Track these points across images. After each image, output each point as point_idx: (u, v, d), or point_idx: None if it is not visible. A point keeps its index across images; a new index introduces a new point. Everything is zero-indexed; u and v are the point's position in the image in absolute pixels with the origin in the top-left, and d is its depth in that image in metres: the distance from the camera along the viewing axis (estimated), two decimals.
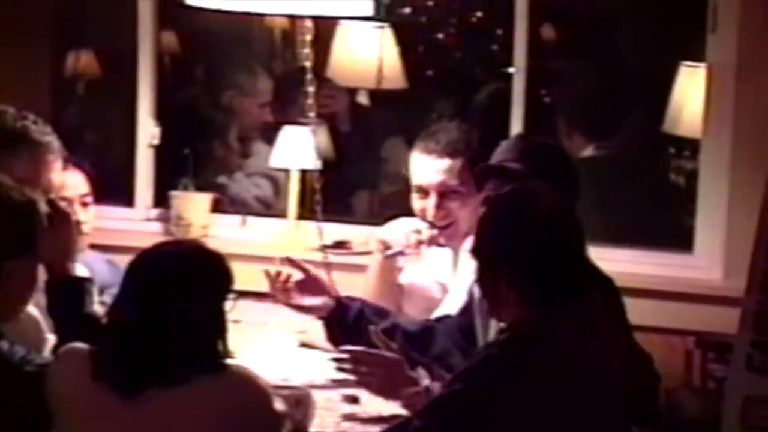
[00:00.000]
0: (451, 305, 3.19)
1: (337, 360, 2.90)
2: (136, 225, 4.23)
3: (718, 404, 3.09)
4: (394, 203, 3.98)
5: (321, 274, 3.27)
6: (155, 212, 4.28)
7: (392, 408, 2.84)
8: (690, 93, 4.06)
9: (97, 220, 3.66)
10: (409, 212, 3.45)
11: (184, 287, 2.37)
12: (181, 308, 2.36)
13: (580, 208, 3.01)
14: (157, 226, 4.23)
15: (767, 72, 3.73)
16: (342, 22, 4.28)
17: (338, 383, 3.02)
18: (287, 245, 4.00)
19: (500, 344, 2.45)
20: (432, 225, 3.36)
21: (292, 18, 4.40)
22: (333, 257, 3.77)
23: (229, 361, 2.39)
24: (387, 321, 3.07)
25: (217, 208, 4.21)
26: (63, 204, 2.94)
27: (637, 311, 3.56)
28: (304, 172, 4.02)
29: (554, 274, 2.45)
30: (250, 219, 4.25)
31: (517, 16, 4.03)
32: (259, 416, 2.38)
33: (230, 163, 4.59)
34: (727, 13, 3.79)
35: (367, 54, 4.33)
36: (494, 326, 2.76)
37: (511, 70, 4.07)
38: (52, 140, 3.13)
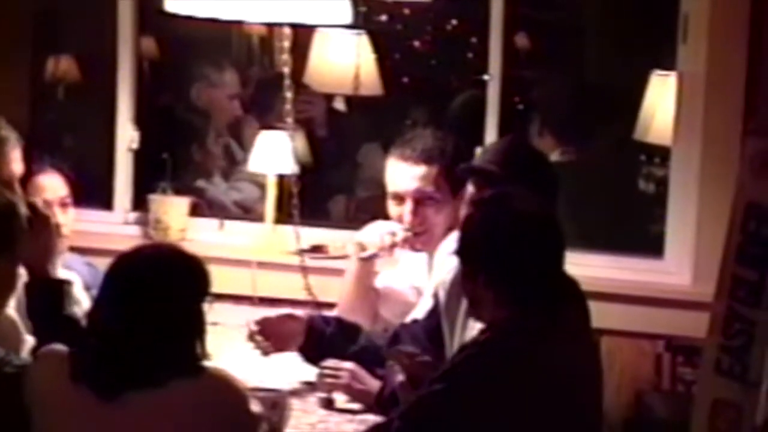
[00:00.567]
0: (420, 310, 3.23)
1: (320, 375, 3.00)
2: (115, 228, 4.25)
3: (688, 407, 3.12)
4: (370, 208, 4.03)
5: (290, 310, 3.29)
6: (134, 216, 4.29)
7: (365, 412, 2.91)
8: (661, 101, 4.10)
9: (76, 223, 3.68)
10: (385, 216, 3.49)
11: (162, 290, 2.39)
12: (159, 311, 2.38)
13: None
14: (135, 230, 4.24)
15: (736, 81, 3.77)
16: (320, 29, 4.31)
17: (314, 386, 3.07)
18: (264, 249, 4.03)
19: (480, 344, 2.49)
20: (408, 230, 3.41)
21: (271, 25, 4.45)
22: (310, 261, 3.80)
23: (206, 363, 2.41)
24: (357, 345, 3.11)
25: (195, 211, 4.24)
26: (42, 207, 2.97)
27: (608, 315, 3.62)
28: (281, 177, 4.05)
29: (528, 276, 2.49)
30: (228, 223, 4.27)
31: (492, 24, 4.05)
32: (236, 418, 2.40)
33: (209, 168, 4.61)
34: (697, 23, 3.84)
35: (344, 61, 4.36)
36: (474, 326, 2.79)
37: (485, 77, 4.10)
38: (9, 133, 3.18)
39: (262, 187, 4.18)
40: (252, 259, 3.96)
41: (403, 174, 3.40)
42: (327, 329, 3.16)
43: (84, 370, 2.38)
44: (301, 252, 3.72)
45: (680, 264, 3.91)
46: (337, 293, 3.57)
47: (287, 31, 3.58)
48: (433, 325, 3.00)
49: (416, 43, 4.78)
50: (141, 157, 4.33)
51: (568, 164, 4.28)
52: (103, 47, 4.36)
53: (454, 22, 4.71)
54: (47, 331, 2.69)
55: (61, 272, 2.90)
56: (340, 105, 4.72)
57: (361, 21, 4.23)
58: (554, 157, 4.28)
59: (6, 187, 2.84)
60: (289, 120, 3.64)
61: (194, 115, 4.67)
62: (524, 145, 3.25)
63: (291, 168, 3.91)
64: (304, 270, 3.63)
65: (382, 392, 2.93)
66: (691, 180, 3.88)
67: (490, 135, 4.05)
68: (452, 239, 2.85)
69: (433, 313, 3.03)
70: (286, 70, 3.60)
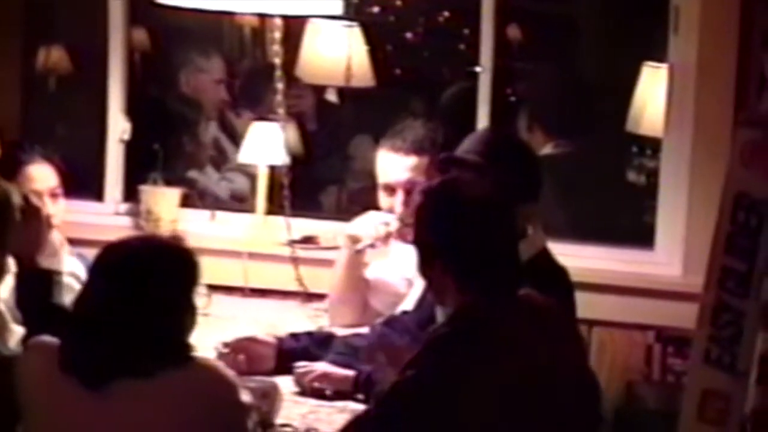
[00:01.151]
0: (410, 301, 3.23)
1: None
2: (106, 219, 4.24)
3: (678, 397, 3.13)
4: (362, 199, 4.03)
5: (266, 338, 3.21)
6: (125, 207, 4.29)
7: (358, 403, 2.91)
8: (652, 92, 4.10)
9: (66, 214, 3.68)
10: (375, 208, 3.50)
11: (151, 280, 2.39)
12: (148, 301, 2.38)
13: (544, 204, 3.08)
14: (126, 221, 4.24)
15: (727, 72, 3.77)
16: (311, 20, 4.31)
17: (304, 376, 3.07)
18: (256, 240, 4.03)
19: (445, 328, 2.51)
20: (400, 219, 3.41)
21: (262, 16, 4.44)
22: (301, 252, 3.81)
23: (195, 353, 2.41)
24: (334, 351, 3.09)
25: (186, 202, 4.24)
26: (33, 197, 2.98)
27: (598, 306, 3.63)
28: (273, 168, 4.05)
29: (483, 260, 2.50)
30: (219, 214, 4.27)
31: (484, 16, 4.06)
32: (226, 408, 2.40)
33: (200, 158, 4.61)
34: (688, 14, 3.84)
35: (336, 52, 4.36)
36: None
37: (477, 69, 4.10)
38: None
39: (253, 178, 4.18)
40: (243, 250, 3.96)
41: (393, 165, 3.41)
42: (297, 345, 3.16)
43: (72, 360, 2.38)
44: (293, 243, 3.73)
45: (671, 255, 3.91)
46: (327, 284, 3.57)
47: (279, 22, 3.58)
48: (423, 315, 3.00)
49: (408, 35, 4.77)
50: (132, 148, 4.33)
51: (559, 156, 4.29)
52: (94, 38, 4.35)
53: (446, 13, 4.70)
54: (37, 321, 2.70)
55: (69, 261, 2.88)
56: (331, 97, 4.72)
57: (353, 12, 4.23)
58: (546, 149, 4.29)
59: None
60: (281, 111, 3.64)
61: (185, 106, 4.67)
62: (506, 135, 3.25)
63: (282, 159, 3.91)
64: (296, 261, 3.63)
65: (359, 377, 2.94)
66: (682, 171, 3.88)
67: (482, 126, 4.04)
68: None
69: (422, 302, 3.03)
70: (278, 61, 3.60)
